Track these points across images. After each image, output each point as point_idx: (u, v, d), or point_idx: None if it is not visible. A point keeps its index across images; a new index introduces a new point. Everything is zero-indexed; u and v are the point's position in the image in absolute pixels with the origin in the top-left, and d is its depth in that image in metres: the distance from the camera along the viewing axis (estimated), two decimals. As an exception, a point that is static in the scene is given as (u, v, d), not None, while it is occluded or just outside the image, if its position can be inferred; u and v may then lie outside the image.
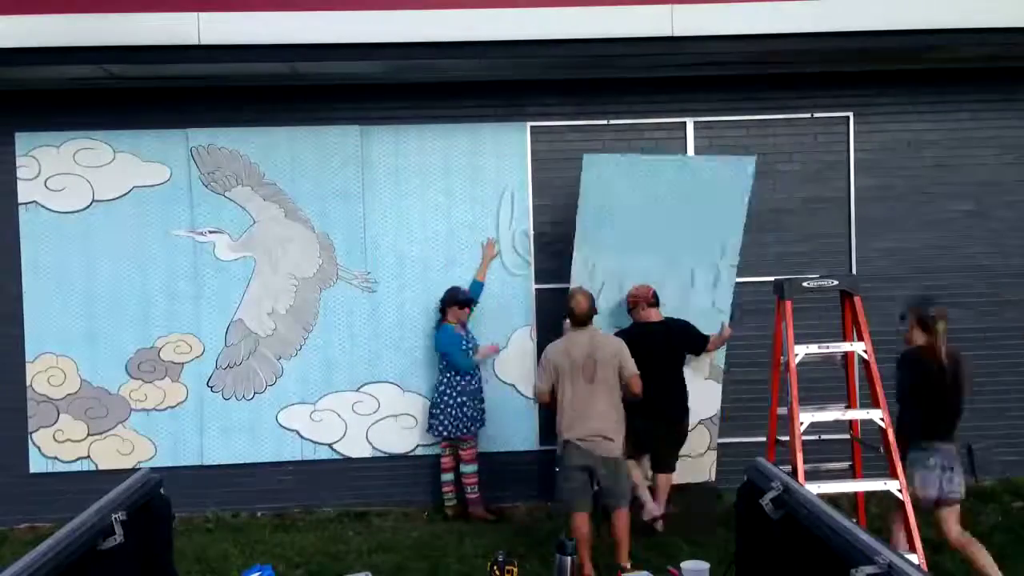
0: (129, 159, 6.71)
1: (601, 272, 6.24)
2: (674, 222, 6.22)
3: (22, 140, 6.68)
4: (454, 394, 6.47)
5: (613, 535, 5.31)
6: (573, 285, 5.99)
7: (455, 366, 6.44)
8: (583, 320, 5.32)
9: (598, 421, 5.18)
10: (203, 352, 6.76)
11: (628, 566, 5.20)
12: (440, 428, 6.51)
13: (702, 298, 6.35)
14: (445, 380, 6.50)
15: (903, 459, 4.91)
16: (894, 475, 5.09)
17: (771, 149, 6.96)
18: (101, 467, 6.70)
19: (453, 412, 6.45)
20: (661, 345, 5.92)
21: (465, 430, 6.50)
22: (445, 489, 6.65)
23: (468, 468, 6.59)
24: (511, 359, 6.85)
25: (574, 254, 6.23)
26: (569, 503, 5.30)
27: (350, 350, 6.81)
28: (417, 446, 6.86)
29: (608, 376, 5.21)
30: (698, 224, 6.24)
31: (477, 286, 6.74)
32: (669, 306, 6.17)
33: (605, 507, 5.41)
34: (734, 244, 6.34)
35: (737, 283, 6.92)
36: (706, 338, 6.11)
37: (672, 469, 6.21)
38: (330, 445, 6.83)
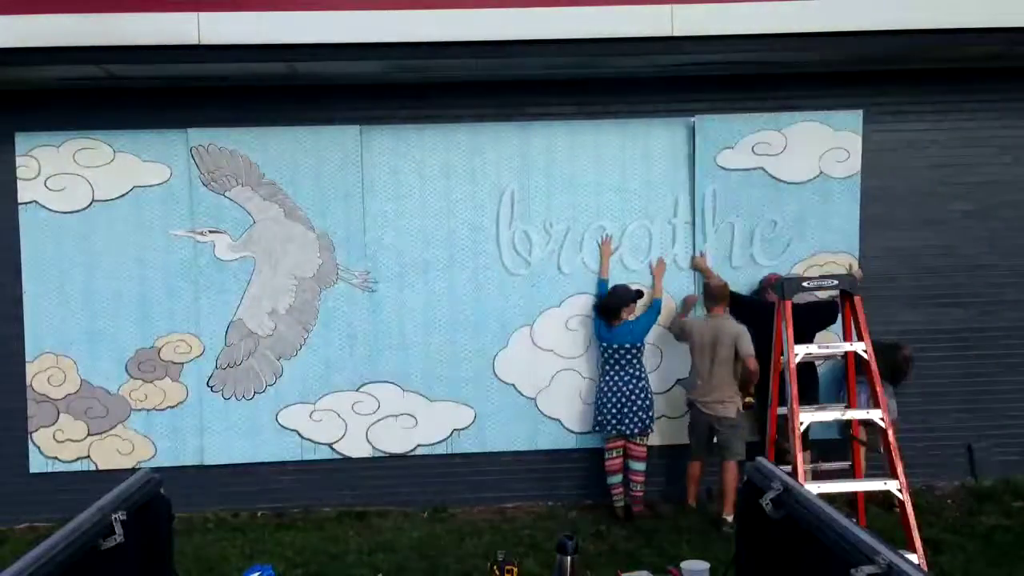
0: (129, 159, 6.71)
1: (557, 234, 6.80)
2: (622, 183, 6.79)
3: (22, 140, 6.67)
4: (648, 389, 6.46)
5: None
6: (535, 250, 6.78)
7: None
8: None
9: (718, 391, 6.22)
10: (203, 352, 6.76)
11: (729, 519, 5.94)
12: (621, 426, 6.40)
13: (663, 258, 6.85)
14: (640, 373, 6.45)
15: None
16: (894, 475, 5.10)
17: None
18: (101, 467, 6.70)
19: (643, 407, 6.40)
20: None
21: (645, 427, 6.45)
22: (615, 492, 6.48)
23: (639, 465, 6.50)
24: (511, 359, 6.85)
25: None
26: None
27: (350, 350, 6.81)
28: (417, 446, 6.86)
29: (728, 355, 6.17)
30: (648, 183, 6.80)
31: (603, 285, 6.68)
32: (629, 267, 6.81)
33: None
34: (686, 202, 6.72)
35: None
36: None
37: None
38: (330, 445, 6.83)
